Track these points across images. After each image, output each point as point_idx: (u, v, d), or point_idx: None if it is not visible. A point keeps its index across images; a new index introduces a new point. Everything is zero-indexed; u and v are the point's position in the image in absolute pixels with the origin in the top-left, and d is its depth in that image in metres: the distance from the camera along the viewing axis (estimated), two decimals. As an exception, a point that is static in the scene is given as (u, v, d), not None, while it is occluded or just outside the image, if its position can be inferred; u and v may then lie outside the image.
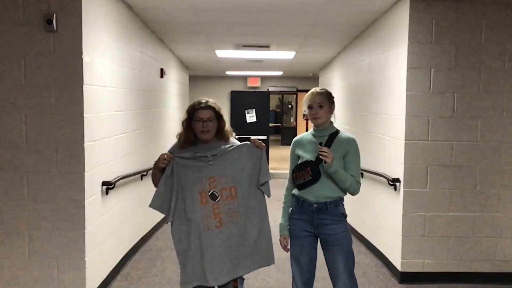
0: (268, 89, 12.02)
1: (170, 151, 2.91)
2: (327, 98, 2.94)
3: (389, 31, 4.73)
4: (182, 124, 2.93)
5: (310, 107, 2.93)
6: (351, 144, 2.93)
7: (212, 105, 2.87)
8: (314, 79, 10.93)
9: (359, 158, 2.96)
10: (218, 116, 2.87)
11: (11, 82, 3.49)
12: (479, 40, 4.19)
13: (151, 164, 5.67)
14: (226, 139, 2.92)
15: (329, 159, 2.77)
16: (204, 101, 2.87)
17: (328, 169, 2.81)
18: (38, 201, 3.57)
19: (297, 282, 2.98)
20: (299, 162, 2.95)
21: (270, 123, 16.25)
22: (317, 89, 2.97)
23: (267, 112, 11.51)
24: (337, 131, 2.96)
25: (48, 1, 3.45)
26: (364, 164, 5.41)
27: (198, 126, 2.83)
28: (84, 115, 3.55)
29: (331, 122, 3.00)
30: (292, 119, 19.68)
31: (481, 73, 4.22)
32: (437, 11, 4.15)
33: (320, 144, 2.86)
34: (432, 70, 4.22)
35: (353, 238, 5.85)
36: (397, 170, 4.44)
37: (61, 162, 3.55)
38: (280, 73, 11.32)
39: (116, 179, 4.21)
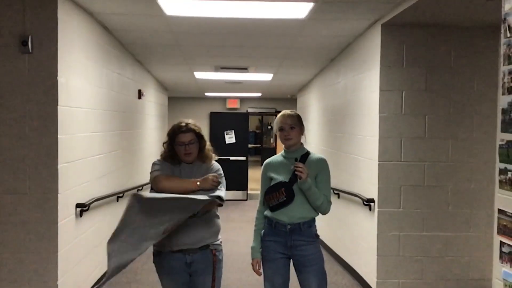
0: (247, 110, 12.09)
1: (158, 166, 2.93)
2: (298, 120, 3.00)
3: (362, 55, 4.85)
4: (163, 145, 2.97)
5: (281, 129, 2.98)
6: (322, 164, 2.99)
7: (193, 127, 2.92)
8: (292, 100, 11.06)
9: (329, 178, 3.02)
10: (199, 137, 2.93)
11: (-15, 103, 3.47)
12: (449, 63, 4.33)
13: (128, 185, 5.70)
14: (208, 159, 2.98)
15: (304, 175, 2.81)
16: (184, 124, 2.92)
17: (302, 185, 2.85)
18: (9, 223, 3.51)
19: None
20: (272, 183, 2.98)
21: (250, 144, 16.28)
22: (288, 111, 3.03)
23: (246, 133, 11.56)
24: (308, 152, 3.01)
25: (23, 22, 3.45)
26: (340, 184, 5.48)
27: (180, 150, 2.89)
28: (59, 136, 3.54)
29: (302, 144, 3.05)
30: (272, 140, 19.78)
31: (451, 95, 4.35)
32: (408, 36, 4.29)
33: (296, 160, 2.91)
34: (403, 93, 4.33)
35: (330, 258, 5.91)
36: (371, 190, 4.51)
37: (35, 183, 3.51)
38: (259, 94, 11.42)
39: (91, 201, 4.17)
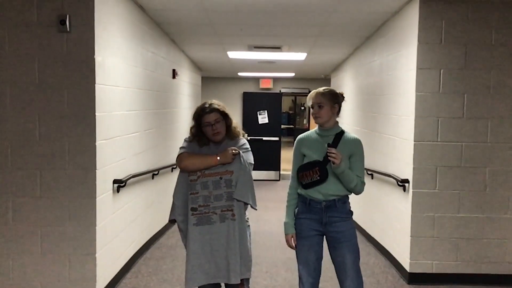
0: (280, 91, 12.02)
1: (186, 144, 3.00)
2: (328, 98, 2.92)
3: (399, 32, 4.73)
4: (190, 130, 3.00)
5: (312, 106, 2.96)
6: (357, 145, 2.96)
7: (216, 107, 2.95)
8: (326, 80, 10.93)
9: (363, 158, 2.98)
10: (224, 115, 2.94)
11: (25, 82, 3.58)
12: (489, 40, 4.18)
13: (162, 163, 5.80)
14: (236, 136, 3.02)
15: (338, 161, 2.78)
16: (207, 105, 2.96)
17: (336, 169, 2.83)
18: (50, 198, 3.65)
19: (304, 282, 2.98)
20: (306, 161, 2.96)
21: (283, 124, 16.23)
22: (321, 89, 2.97)
23: (279, 114, 11.52)
24: (342, 131, 2.97)
25: (61, 2, 3.52)
26: (374, 164, 5.43)
27: (208, 130, 2.93)
28: (96, 114, 3.62)
29: (337, 122, 3.01)
30: (305, 121, 19.68)
31: (491, 74, 4.21)
32: (447, 12, 4.15)
33: (328, 144, 2.88)
34: (441, 71, 4.21)
35: (362, 238, 5.89)
36: (406, 171, 4.44)
37: (73, 159, 3.63)
38: (292, 74, 11.34)
39: (127, 178, 4.27)
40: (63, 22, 3.50)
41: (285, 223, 3.06)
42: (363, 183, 2.96)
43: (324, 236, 3.01)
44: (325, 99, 2.92)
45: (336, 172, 2.84)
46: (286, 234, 3.05)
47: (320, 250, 3.00)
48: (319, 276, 3.03)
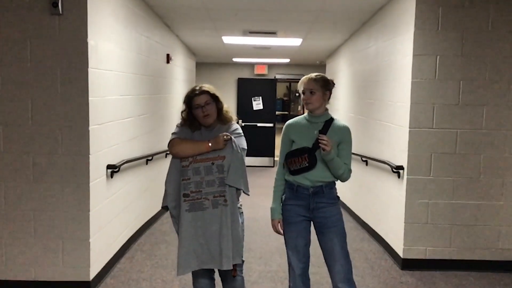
0: (275, 77, 11.97)
1: (178, 129, 2.96)
2: (321, 85, 2.91)
3: (396, 18, 4.69)
4: (181, 114, 2.96)
5: (303, 92, 2.94)
6: (346, 132, 2.95)
7: (206, 89, 2.91)
8: (321, 66, 10.88)
9: (351, 146, 2.99)
10: (215, 98, 2.91)
11: (17, 65, 3.52)
12: (486, 27, 4.15)
13: (156, 149, 5.77)
14: (228, 121, 2.98)
15: (329, 148, 2.78)
16: (197, 87, 2.92)
17: (325, 156, 2.83)
18: (43, 182, 3.62)
19: (294, 268, 2.98)
20: (295, 147, 2.94)
21: (278, 111, 16.19)
22: (313, 75, 2.95)
23: (274, 100, 11.47)
24: (332, 118, 2.96)
25: (53, -16, 3.46)
26: (369, 151, 5.43)
27: (198, 113, 2.89)
28: (89, 98, 3.58)
29: (327, 109, 2.99)
30: (299, 108, 19.67)
31: (487, 61, 4.19)
32: (444, -2, 4.12)
33: (320, 131, 2.87)
34: (438, 57, 4.19)
35: (356, 225, 5.91)
36: (401, 158, 4.44)
37: (66, 144, 3.59)
38: (287, 60, 11.28)
39: (121, 163, 4.24)
40: (55, 5, 3.44)
41: (272, 209, 3.06)
42: (350, 171, 2.97)
43: (312, 222, 3.01)
44: (317, 85, 2.90)
45: (325, 159, 2.84)
46: (272, 220, 3.07)
47: (307, 235, 3.02)
48: (309, 261, 3.04)
